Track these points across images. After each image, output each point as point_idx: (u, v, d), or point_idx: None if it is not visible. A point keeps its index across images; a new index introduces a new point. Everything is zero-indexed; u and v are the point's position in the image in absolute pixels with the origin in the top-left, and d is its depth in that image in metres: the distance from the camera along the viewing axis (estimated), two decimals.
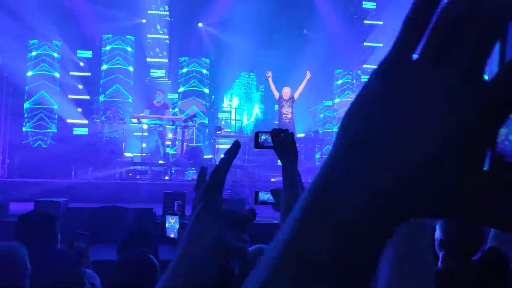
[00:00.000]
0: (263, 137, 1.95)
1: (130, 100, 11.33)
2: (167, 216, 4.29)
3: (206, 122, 12.69)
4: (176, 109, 12.35)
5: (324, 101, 14.14)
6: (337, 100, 13.90)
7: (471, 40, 0.30)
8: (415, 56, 0.31)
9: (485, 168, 0.31)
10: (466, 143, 0.30)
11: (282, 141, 1.86)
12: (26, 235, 2.11)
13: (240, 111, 14.81)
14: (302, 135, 13.65)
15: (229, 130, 13.99)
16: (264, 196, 2.21)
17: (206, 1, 13.03)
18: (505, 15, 0.30)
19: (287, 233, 0.32)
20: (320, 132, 13.74)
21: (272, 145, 1.89)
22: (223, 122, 14.52)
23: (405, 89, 0.31)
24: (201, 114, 12.45)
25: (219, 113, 14.79)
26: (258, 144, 1.96)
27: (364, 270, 0.31)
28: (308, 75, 11.08)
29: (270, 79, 11.12)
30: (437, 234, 2.31)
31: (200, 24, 13.18)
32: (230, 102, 14.45)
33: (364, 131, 0.32)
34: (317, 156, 12.22)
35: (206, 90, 13.06)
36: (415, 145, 0.30)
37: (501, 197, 0.31)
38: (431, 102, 0.30)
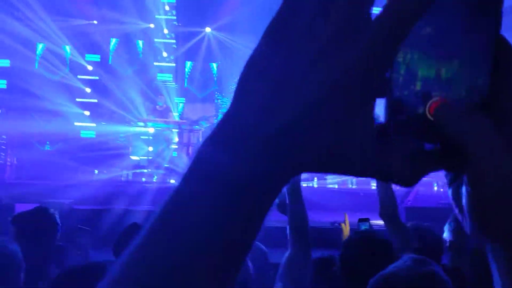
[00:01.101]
0: None
1: (137, 103, 11.38)
2: None
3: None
4: (176, 113, 12.38)
5: None
6: None
7: None
8: None
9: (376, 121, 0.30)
10: (349, 88, 0.29)
11: None
12: (24, 231, 2.09)
13: None
14: None
15: None
16: None
17: (213, 6, 13.05)
18: None
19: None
20: None
21: None
22: None
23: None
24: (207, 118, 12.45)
25: None
26: None
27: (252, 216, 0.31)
28: None
29: None
30: (446, 235, 2.27)
31: (207, 29, 13.20)
32: None
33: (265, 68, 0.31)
34: None
35: (214, 95, 13.08)
36: (304, 87, 0.29)
37: (392, 151, 0.31)
38: (316, 49, 0.29)
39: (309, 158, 0.30)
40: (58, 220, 2.25)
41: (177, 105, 13.23)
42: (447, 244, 2.26)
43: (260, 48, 0.32)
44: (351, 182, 10.54)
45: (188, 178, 0.31)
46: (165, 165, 9.78)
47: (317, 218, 6.24)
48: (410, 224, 2.49)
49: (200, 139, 11.38)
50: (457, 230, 2.18)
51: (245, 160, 0.30)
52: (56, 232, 2.23)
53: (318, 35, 0.29)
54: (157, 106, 10.88)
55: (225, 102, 14.79)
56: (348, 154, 0.29)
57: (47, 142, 10.76)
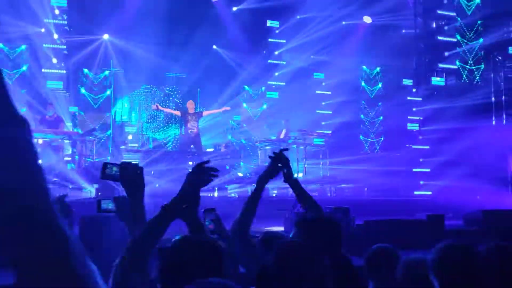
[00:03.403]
0: (113, 168, 1.85)
1: (23, 112, 10.54)
2: None
3: (109, 134, 12.18)
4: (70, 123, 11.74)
5: (235, 116, 14.32)
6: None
7: None
8: None
9: None
10: None
11: (130, 176, 1.78)
12: None
13: (147, 125, 14.51)
14: (211, 149, 13.69)
15: (136, 144, 13.61)
16: (108, 204, 2.14)
17: (109, 12, 12.64)
18: None
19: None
20: (229, 146, 13.88)
21: (119, 178, 1.80)
22: (130, 137, 14.10)
23: None
24: (102, 127, 11.93)
25: (126, 127, 14.34)
26: (104, 175, 1.86)
27: None
28: (226, 108, 11.45)
29: (161, 108, 11.21)
30: None
31: (105, 36, 12.74)
32: (135, 114, 14.14)
33: None
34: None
35: (110, 103, 12.60)
36: None
37: None
38: None
39: None
40: None
41: (71, 115, 12.54)
42: None
43: None
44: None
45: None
46: (54, 179, 9.16)
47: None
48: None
49: (95, 150, 10.88)
50: None
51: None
52: None
53: None
54: (47, 116, 10.22)
55: (120, 110, 14.37)
56: None
57: None
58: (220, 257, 1.46)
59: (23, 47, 11.07)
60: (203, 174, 1.94)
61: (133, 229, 1.76)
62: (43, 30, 11.05)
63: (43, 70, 11.18)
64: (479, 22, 11.08)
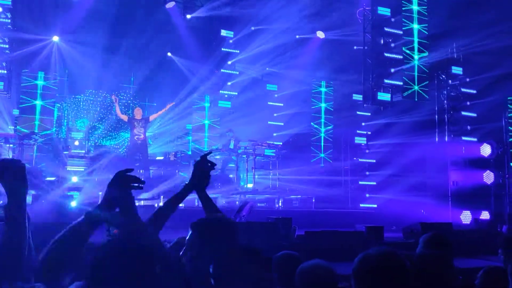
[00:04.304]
0: None
1: None
2: None
3: (52, 137, 11.71)
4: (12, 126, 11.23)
5: (187, 125, 14.16)
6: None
7: None
8: None
9: None
10: None
11: (11, 175, 1.63)
12: None
13: (94, 131, 14.11)
14: (161, 157, 13.44)
15: (83, 151, 13.16)
16: None
17: (58, 13, 12.26)
18: None
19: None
20: (178, 156, 13.68)
21: None
22: (76, 143, 13.63)
23: None
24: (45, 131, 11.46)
25: (72, 133, 13.86)
26: None
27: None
28: (170, 104, 11.20)
29: (116, 103, 10.91)
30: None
31: (55, 38, 12.32)
32: (81, 120, 13.72)
33: None
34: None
35: (53, 107, 12.13)
36: None
37: None
38: None
39: None
40: None
41: (13, 117, 11.99)
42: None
43: None
44: (197, 200, 10.63)
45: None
46: None
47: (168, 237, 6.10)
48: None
49: (35, 154, 10.41)
50: None
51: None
52: None
53: None
54: None
55: (66, 112, 13.90)
56: None
57: None
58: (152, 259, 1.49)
59: None
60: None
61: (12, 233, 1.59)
62: None
63: None
64: (424, 41, 11.51)
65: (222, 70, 13.88)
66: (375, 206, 12.17)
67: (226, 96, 14.19)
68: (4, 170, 1.60)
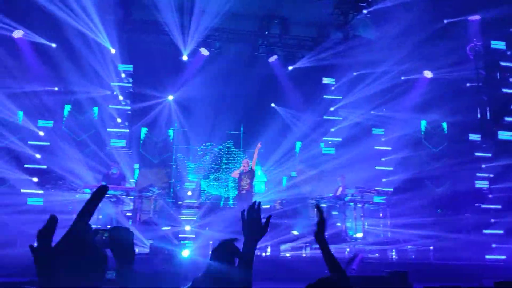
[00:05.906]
0: (105, 234, 1.71)
1: (85, 170, 11.16)
2: None
3: (168, 190, 12.46)
4: (133, 180, 12.16)
5: (291, 172, 14.22)
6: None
7: None
8: None
9: None
10: None
11: (121, 244, 1.67)
12: None
13: (206, 181, 14.76)
14: (267, 206, 13.55)
15: (194, 200, 13.79)
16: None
17: (171, 75, 13.35)
18: None
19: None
20: (283, 202, 13.67)
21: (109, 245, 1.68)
22: (189, 193, 14.36)
23: None
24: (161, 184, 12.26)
25: (185, 184, 14.66)
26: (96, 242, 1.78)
27: None
28: (259, 145, 11.21)
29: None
30: None
31: (170, 97, 13.42)
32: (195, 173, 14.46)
33: None
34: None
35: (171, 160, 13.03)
36: None
37: None
38: None
39: None
40: None
41: (133, 172, 13.07)
42: None
43: None
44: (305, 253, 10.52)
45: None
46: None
47: None
48: None
49: (153, 206, 11.13)
50: None
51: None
52: None
53: None
54: (110, 172, 10.69)
55: (180, 167, 14.76)
56: None
57: None
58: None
59: (95, 109, 11.87)
60: (253, 211, 2.33)
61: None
62: (108, 92, 11.86)
63: (108, 129, 11.86)
64: None
65: (324, 117, 13.84)
66: (504, 257, 10.83)
67: (330, 142, 14.04)
68: (114, 247, 1.67)
